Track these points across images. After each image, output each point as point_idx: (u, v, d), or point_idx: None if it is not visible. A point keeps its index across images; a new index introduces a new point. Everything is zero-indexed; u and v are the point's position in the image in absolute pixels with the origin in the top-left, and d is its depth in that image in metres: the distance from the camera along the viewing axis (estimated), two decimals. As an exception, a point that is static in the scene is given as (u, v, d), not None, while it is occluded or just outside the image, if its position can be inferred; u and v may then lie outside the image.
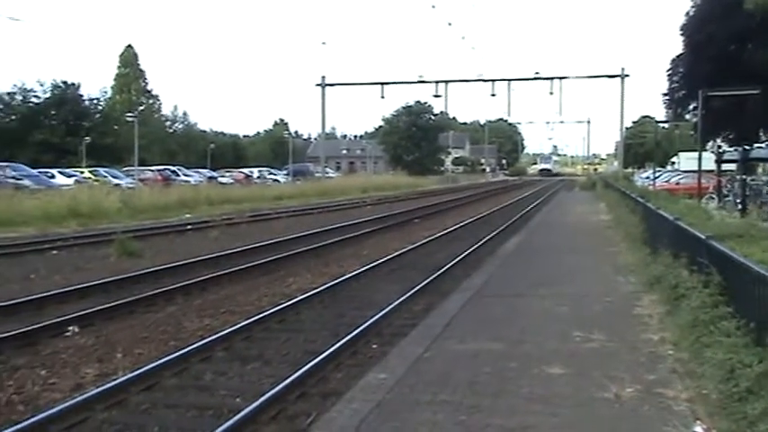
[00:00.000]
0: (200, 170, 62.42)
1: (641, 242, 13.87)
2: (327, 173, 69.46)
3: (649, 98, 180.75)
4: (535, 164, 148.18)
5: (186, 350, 7.86)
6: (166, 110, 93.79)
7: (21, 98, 68.57)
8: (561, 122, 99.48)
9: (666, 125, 61.93)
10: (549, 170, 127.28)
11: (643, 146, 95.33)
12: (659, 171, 44.60)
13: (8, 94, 67.88)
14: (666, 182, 37.34)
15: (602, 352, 6.93)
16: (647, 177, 43.87)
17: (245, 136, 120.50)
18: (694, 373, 5.88)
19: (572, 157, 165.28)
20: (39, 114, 67.77)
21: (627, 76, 51.85)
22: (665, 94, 39.34)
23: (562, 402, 5.45)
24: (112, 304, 10.33)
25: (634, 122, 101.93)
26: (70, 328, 9.11)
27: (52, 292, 11.26)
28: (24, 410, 6.33)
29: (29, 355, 8.04)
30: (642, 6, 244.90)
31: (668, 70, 38.11)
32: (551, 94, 52.68)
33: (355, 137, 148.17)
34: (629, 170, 70.26)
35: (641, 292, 9.88)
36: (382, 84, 54.03)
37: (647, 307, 8.91)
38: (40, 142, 63.94)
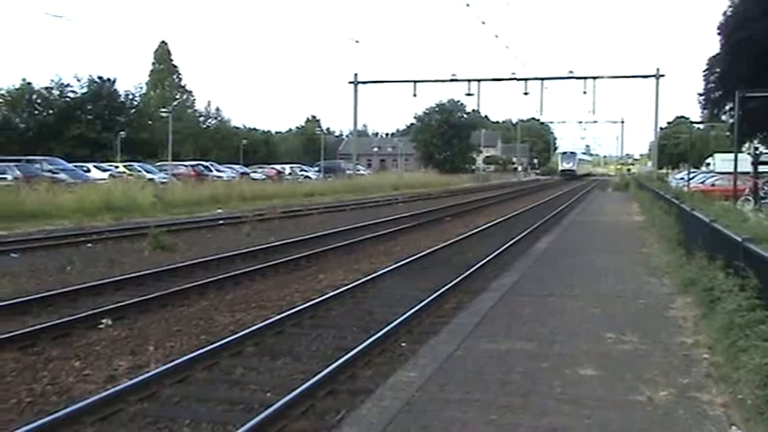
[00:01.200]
0: (232, 166, 62.83)
1: (675, 243, 13.70)
2: (359, 170, 69.56)
3: (685, 98, 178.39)
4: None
5: (217, 344, 7.91)
6: (200, 105, 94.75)
7: (58, 93, 69.71)
8: (594, 122, 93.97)
9: (702, 126, 61.08)
10: (571, 171, 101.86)
11: (677, 146, 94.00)
12: (694, 172, 43.98)
13: (46, 88, 69.07)
14: (701, 183, 36.82)
15: (635, 354, 6.85)
16: (682, 178, 43.29)
17: (277, 132, 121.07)
18: (729, 377, 5.78)
19: (605, 157, 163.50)
20: (75, 109, 68.83)
21: (662, 76, 51.26)
22: (701, 95, 38.84)
23: (594, 404, 5.39)
24: (146, 297, 10.45)
25: (669, 123, 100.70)
26: (104, 320, 9.21)
27: (87, 285, 11.42)
28: (58, 401, 6.41)
29: (63, 347, 8.15)
30: (678, 5, 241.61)
31: (704, 70, 37.63)
32: (585, 93, 52.26)
33: (387, 134, 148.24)
34: (664, 171, 69.42)
35: (675, 294, 9.76)
36: (415, 82, 54.02)
37: (682, 309, 8.80)
38: (76, 136, 64.98)
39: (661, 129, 69.94)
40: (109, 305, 9.87)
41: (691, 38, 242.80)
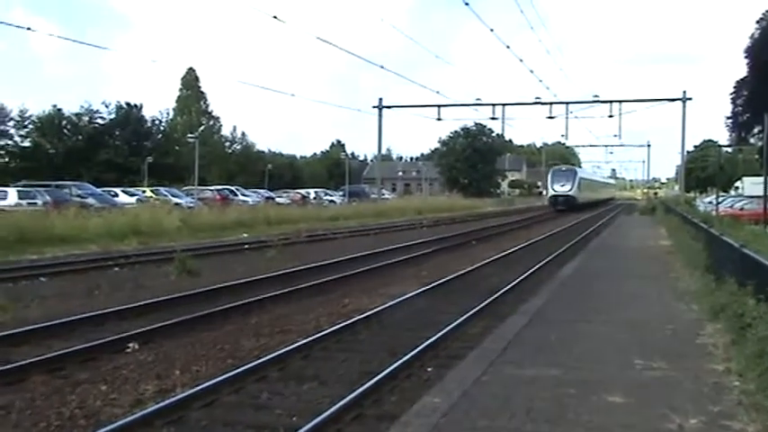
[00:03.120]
0: (257, 190, 63.33)
1: (704, 269, 13.52)
2: (383, 194, 69.70)
3: (712, 122, 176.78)
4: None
5: (243, 368, 7.93)
6: (226, 130, 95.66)
7: (87, 119, 70.89)
8: (621, 146, 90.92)
9: (730, 149, 60.54)
10: (568, 198, 64.79)
11: (705, 170, 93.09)
12: (722, 196, 43.49)
13: (75, 115, 70.33)
14: (730, 207, 36.36)
15: (665, 381, 6.75)
16: (710, 202, 42.83)
17: (301, 157, 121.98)
18: (761, 405, 5.67)
19: (631, 180, 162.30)
20: (103, 134, 70.11)
21: (689, 99, 50.87)
22: (729, 118, 38.59)
23: (623, 432, 5.31)
24: (172, 322, 10.51)
25: (696, 146, 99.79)
26: (130, 344, 9.28)
27: (114, 309, 11.52)
28: (86, 425, 6.45)
29: (91, 371, 8.21)
30: (705, 28, 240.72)
31: (732, 93, 37.42)
32: (611, 116, 51.97)
33: (411, 158, 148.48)
34: (691, 194, 68.74)
35: (704, 320, 9.62)
36: (439, 106, 54.10)
37: (711, 336, 8.67)
38: (104, 162, 66.04)
39: (688, 152, 69.38)
40: (135, 329, 9.94)
41: (718, 61, 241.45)
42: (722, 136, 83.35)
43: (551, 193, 66.67)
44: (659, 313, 10.47)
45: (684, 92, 51.37)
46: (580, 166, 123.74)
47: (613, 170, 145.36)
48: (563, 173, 68.02)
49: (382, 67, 49.68)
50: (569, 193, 64.50)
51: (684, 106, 51.09)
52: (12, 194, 34.02)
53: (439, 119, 54.56)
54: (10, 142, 67.12)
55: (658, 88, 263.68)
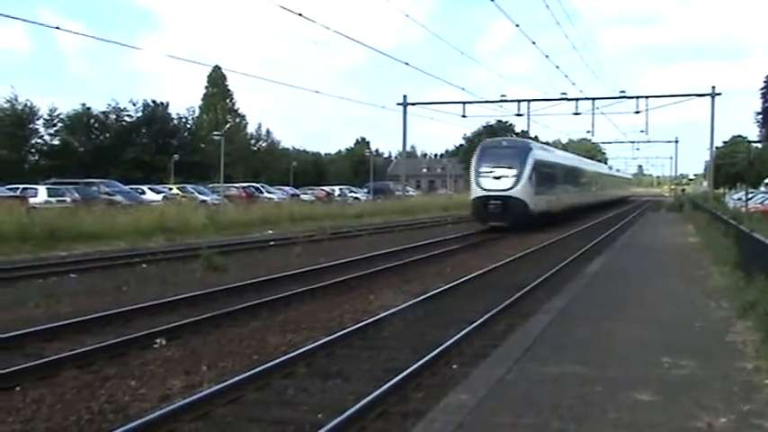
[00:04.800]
0: (282, 187, 63.59)
1: (733, 266, 13.38)
2: (408, 191, 69.60)
3: (742, 117, 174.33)
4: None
5: (269, 365, 7.97)
6: (251, 128, 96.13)
7: (114, 117, 71.66)
8: (647, 142, 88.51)
9: (760, 145, 59.66)
10: (512, 203, 31.95)
11: (734, 166, 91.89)
12: (752, 192, 42.92)
13: (103, 113, 71.11)
14: (760, 203, 35.92)
15: (693, 379, 6.69)
16: (740, 198, 42.29)
17: (326, 154, 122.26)
18: (793, 404, 5.61)
19: (658, 177, 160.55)
20: (130, 132, 70.83)
21: (718, 94, 50.09)
22: (759, 113, 38.04)
23: (651, 431, 5.27)
24: (199, 318, 10.60)
25: (725, 142, 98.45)
26: (158, 340, 9.37)
27: (141, 305, 11.64)
28: (115, 419, 6.52)
29: (119, 366, 8.31)
30: (734, 23, 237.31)
31: (762, 88, 36.91)
32: (637, 112, 51.43)
33: (435, 155, 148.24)
34: (720, 191, 67.92)
35: (734, 318, 9.51)
36: (464, 103, 53.86)
37: (741, 333, 8.57)
38: (131, 159, 66.74)
39: (717, 148, 68.47)
40: (163, 325, 10.03)
41: (747, 56, 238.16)
42: (752, 132, 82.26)
43: (476, 193, 33.45)
44: (687, 311, 10.37)
45: (713, 87, 50.58)
46: (607, 162, 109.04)
47: (640, 166, 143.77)
48: (500, 152, 34.25)
49: (407, 64, 49.48)
50: (511, 192, 32.29)
51: (713, 101, 50.34)
52: (42, 192, 34.45)
53: (464, 116, 54.32)
54: (39, 141, 68.12)
55: (686, 84, 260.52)
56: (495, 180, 32.49)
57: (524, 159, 33.04)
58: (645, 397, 6.09)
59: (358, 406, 6.45)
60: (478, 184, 33.07)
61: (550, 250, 22.65)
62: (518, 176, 32.25)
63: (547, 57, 37.44)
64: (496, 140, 37.83)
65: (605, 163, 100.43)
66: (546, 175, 35.60)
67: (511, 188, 31.97)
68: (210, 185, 55.73)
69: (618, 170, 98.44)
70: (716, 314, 10.04)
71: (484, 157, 33.99)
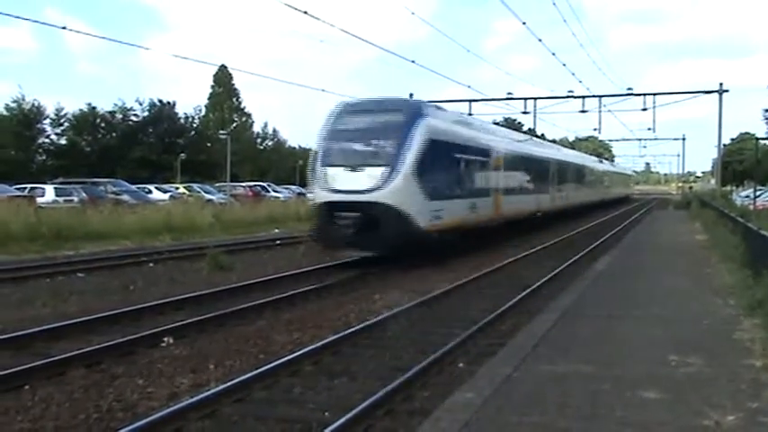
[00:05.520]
0: (289, 186, 63.58)
1: (740, 264, 13.34)
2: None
3: (750, 114, 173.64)
4: None
5: (275, 363, 7.99)
6: (257, 127, 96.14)
7: (121, 116, 71.79)
8: (655, 139, 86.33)
9: (767, 142, 59.46)
10: (376, 211, 16.79)
11: (742, 163, 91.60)
12: (760, 190, 42.76)
13: (110, 112, 71.26)
14: None
15: (700, 377, 6.67)
16: (747, 196, 42.14)
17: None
18: (801, 402, 5.59)
19: (665, 174, 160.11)
20: (137, 132, 70.91)
21: (725, 91, 49.86)
22: (767, 110, 37.84)
23: (658, 429, 5.26)
24: (205, 317, 10.63)
25: (733, 140, 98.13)
26: (165, 338, 9.41)
27: (149, 304, 11.68)
28: (123, 417, 6.55)
29: (127, 364, 8.34)
30: (741, 19, 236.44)
31: (769, 85, 36.65)
32: (644, 110, 51.25)
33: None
34: (728, 188, 67.66)
35: (741, 316, 9.49)
36: (470, 101, 53.77)
37: (749, 331, 8.54)
38: (138, 159, 66.85)
39: (724, 145, 68.20)
40: (170, 324, 10.08)
41: (756, 53, 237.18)
42: (760, 129, 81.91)
43: (320, 197, 18.26)
44: (695, 308, 10.35)
45: (721, 84, 50.27)
46: (614, 159, 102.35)
47: (647, 164, 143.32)
48: (364, 121, 18.61)
49: (413, 62, 49.32)
50: (377, 196, 17.19)
51: (721, 98, 50.07)
52: (49, 191, 34.54)
53: (470, 114, 54.22)
54: (46, 140, 68.31)
55: (694, 81, 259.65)
56: (351, 174, 17.68)
57: (407, 134, 17.93)
58: (652, 395, 6.08)
59: (364, 404, 6.45)
60: (322, 181, 18.19)
61: (556, 249, 22.60)
62: (392, 167, 17.41)
63: (554, 54, 37.19)
64: (362, 101, 20.32)
65: (611, 161, 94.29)
66: (450, 164, 20.42)
67: (377, 188, 17.23)
68: (217, 184, 55.75)
69: (610, 161, 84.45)
70: (723, 312, 10.01)
71: (335, 131, 18.74)
